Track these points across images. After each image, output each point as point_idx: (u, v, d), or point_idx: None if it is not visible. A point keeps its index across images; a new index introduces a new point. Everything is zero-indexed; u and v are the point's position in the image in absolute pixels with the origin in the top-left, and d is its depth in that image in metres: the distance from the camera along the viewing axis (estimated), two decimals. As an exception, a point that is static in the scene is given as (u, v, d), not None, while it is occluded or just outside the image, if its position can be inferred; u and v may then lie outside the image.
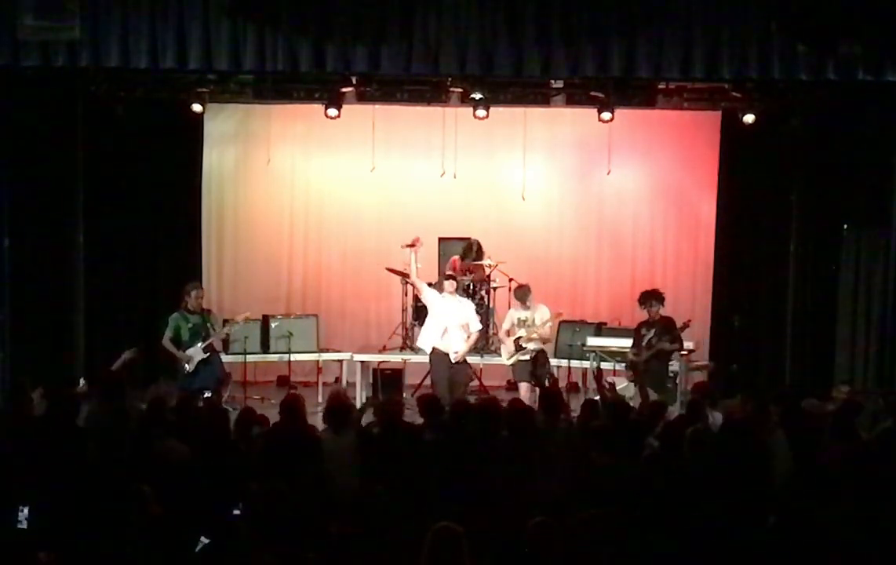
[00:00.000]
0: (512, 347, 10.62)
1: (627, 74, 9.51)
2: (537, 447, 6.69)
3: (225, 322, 10.97)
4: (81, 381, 9.80)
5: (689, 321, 10.39)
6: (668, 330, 10.03)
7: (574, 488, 6.00)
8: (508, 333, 10.75)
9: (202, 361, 10.01)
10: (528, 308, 10.64)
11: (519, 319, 10.66)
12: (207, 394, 9.62)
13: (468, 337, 10.09)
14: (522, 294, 10.70)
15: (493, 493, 6.05)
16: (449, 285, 10.23)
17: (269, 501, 5.18)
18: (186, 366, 9.97)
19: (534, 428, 7.00)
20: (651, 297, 10.16)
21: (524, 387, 10.47)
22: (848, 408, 7.72)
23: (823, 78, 9.21)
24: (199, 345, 10.01)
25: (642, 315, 10.28)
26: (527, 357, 10.53)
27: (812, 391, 9.62)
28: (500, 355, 11.24)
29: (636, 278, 13.00)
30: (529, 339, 10.53)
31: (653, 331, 10.00)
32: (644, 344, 10.00)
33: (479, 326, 10.41)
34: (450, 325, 10.03)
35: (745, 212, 12.33)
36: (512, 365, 10.75)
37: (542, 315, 10.61)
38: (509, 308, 11.36)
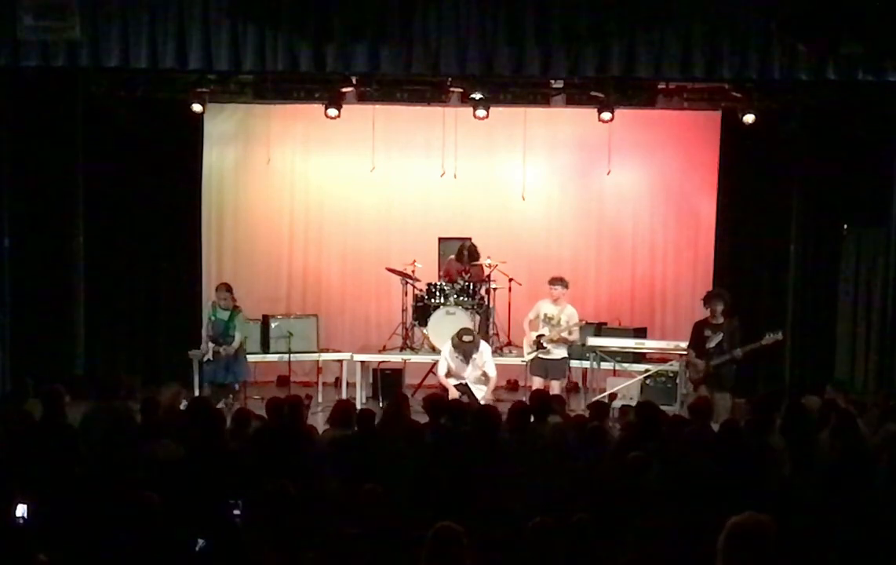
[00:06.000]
0: (533, 343, 10.45)
1: (627, 74, 9.52)
2: (535, 447, 6.70)
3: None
4: None
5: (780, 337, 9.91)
6: (734, 333, 9.68)
7: (569, 489, 5.99)
8: (531, 324, 10.56)
9: (208, 360, 10.58)
10: (557, 302, 10.45)
11: (546, 315, 10.47)
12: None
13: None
14: (560, 283, 10.45)
15: (492, 493, 6.05)
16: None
17: (269, 501, 5.18)
18: (205, 356, 10.62)
19: (531, 428, 7.01)
20: (714, 298, 9.83)
21: (537, 382, 10.34)
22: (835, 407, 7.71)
23: (823, 78, 9.21)
24: (211, 345, 10.54)
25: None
26: (547, 356, 10.38)
27: (812, 390, 9.62)
28: (501, 355, 11.21)
29: (636, 278, 13.01)
30: (552, 340, 10.39)
31: (720, 335, 9.65)
32: (712, 347, 9.64)
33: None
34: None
35: (745, 212, 12.30)
36: (531, 361, 10.58)
37: (569, 317, 10.44)
38: (509, 308, 11.31)
